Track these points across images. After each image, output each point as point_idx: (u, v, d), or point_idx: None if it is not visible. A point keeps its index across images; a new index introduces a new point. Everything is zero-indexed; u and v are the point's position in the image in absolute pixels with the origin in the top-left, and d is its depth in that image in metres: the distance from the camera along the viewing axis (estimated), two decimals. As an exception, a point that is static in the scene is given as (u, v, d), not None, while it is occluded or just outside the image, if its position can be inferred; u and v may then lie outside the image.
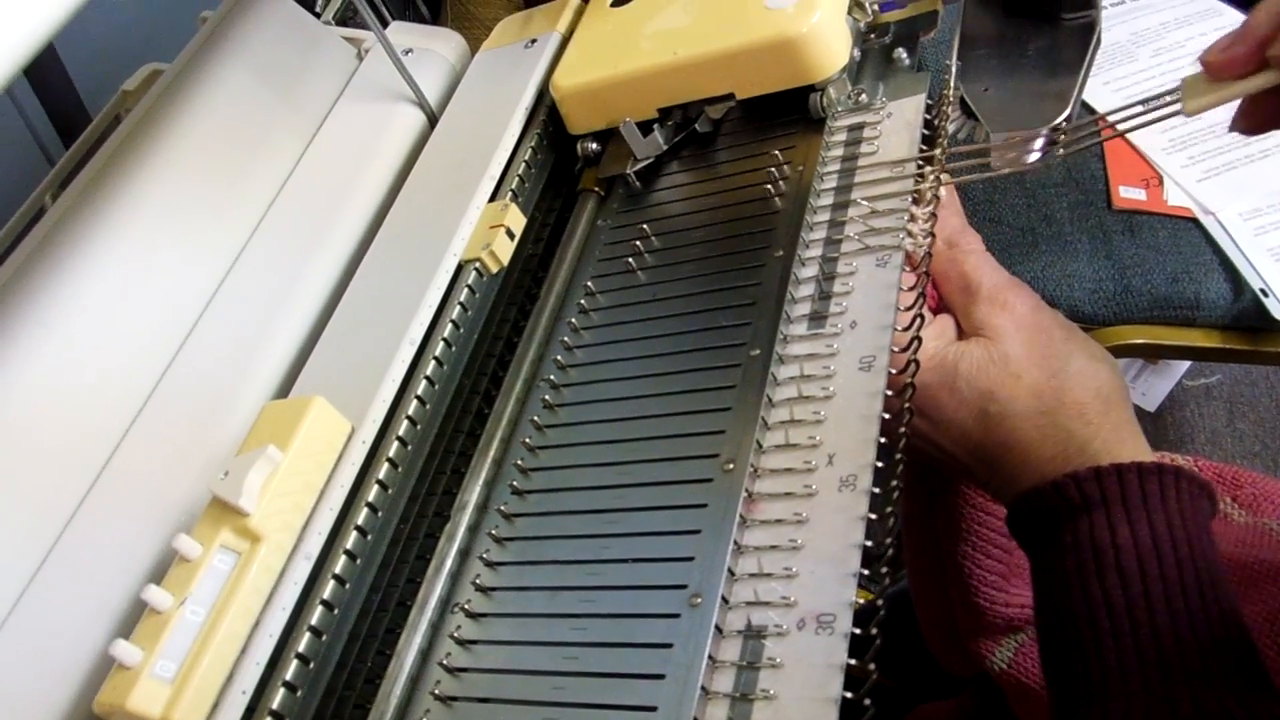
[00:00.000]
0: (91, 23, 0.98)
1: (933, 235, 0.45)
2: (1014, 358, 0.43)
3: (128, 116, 0.57)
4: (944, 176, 0.47)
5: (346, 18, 0.93)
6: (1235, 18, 0.93)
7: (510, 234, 0.54)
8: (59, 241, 0.51)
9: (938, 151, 0.47)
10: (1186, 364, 1.29)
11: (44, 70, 0.88)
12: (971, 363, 0.43)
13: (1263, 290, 0.77)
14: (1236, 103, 0.41)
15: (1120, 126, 0.44)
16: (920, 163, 0.47)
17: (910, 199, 0.47)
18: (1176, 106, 0.42)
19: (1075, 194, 0.84)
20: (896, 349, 0.42)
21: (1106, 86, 0.90)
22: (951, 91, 0.48)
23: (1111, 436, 0.41)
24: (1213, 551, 0.39)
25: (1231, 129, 0.42)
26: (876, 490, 0.38)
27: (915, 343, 0.41)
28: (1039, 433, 0.42)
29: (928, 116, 0.51)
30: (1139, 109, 0.44)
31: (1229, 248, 0.79)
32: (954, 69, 0.49)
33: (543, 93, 0.61)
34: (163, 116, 0.57)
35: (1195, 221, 0.81)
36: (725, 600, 0.38)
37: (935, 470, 0.52)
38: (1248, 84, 0.39)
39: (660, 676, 0.37)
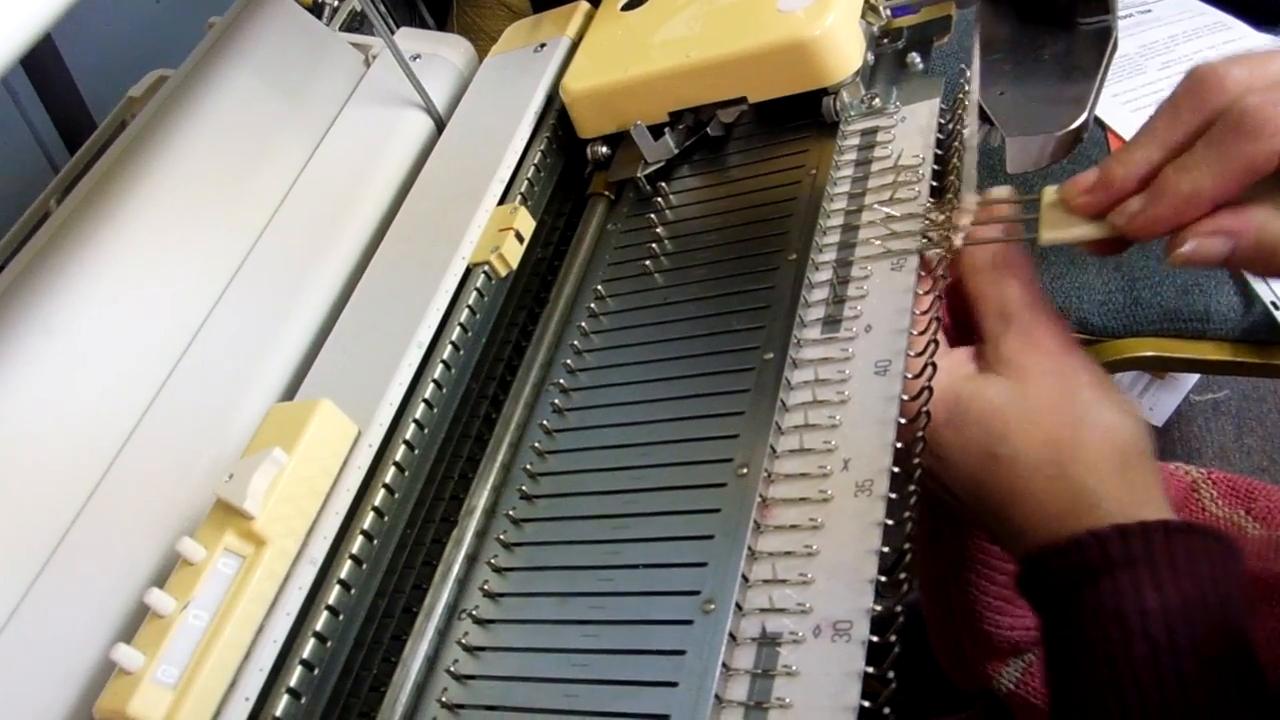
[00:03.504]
0: (97, 28, 0.98)
1: (949, 238, 0.44)
2: (1033, 401, 0.40)
3: (133, 121, 0.57)
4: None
5: (354, 26, 0.93)
6: (1243, 31, 0.92)
7: (519, 237, 0.53)
8: (63, 245, 0.50)
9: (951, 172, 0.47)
10: (1194, 379, 1.28)
11: (49, 76, 0.88)
12: (986, 403, 0.41)
13: (1273, 303, 0.76)
14: None
15: (980, 235, 0.44)
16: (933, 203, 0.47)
17: (927, 204, 0.46)
18: (1032, 235, 0.41)
19: (1084, 205, 0.84)
20: (910, 374, 0.41)
21: (1116, 99, 0.90)
22: (971, 96, 0.48)
23: (1126, 497, 0.38)
24: (1244, 616, 0.36)
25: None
26: (893, 495, 0.37)
27: (929, 369, 0.40)
28: (1048, 484, 0.39)
29: (941, 121, 0.51)
30: (998, 223, 0.44)
31: (1240, 260, 0.78)
32: (976, 73, 0.48)
33: (552, 96, 0.61)
34: (169, 122, 0.56)
35: (1206, 233, 0.80)
36: (739, 607, 0.37)
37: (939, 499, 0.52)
38: (1095, 229, 0.39)
39: (673, 684, 0.36)
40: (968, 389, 0.41)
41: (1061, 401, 0.40)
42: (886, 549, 0.36)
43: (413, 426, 0.47)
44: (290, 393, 0.51)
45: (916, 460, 0.38)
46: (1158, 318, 0.79)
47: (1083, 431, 0.39)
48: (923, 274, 0.45)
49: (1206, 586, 0.35)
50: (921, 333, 0.42)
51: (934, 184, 0.47)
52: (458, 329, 0.50)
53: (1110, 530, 0.36)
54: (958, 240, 0.44)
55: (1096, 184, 0.38)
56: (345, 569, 0.43)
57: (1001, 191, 0.45)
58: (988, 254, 0.44)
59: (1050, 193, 0.41)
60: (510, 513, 0.45)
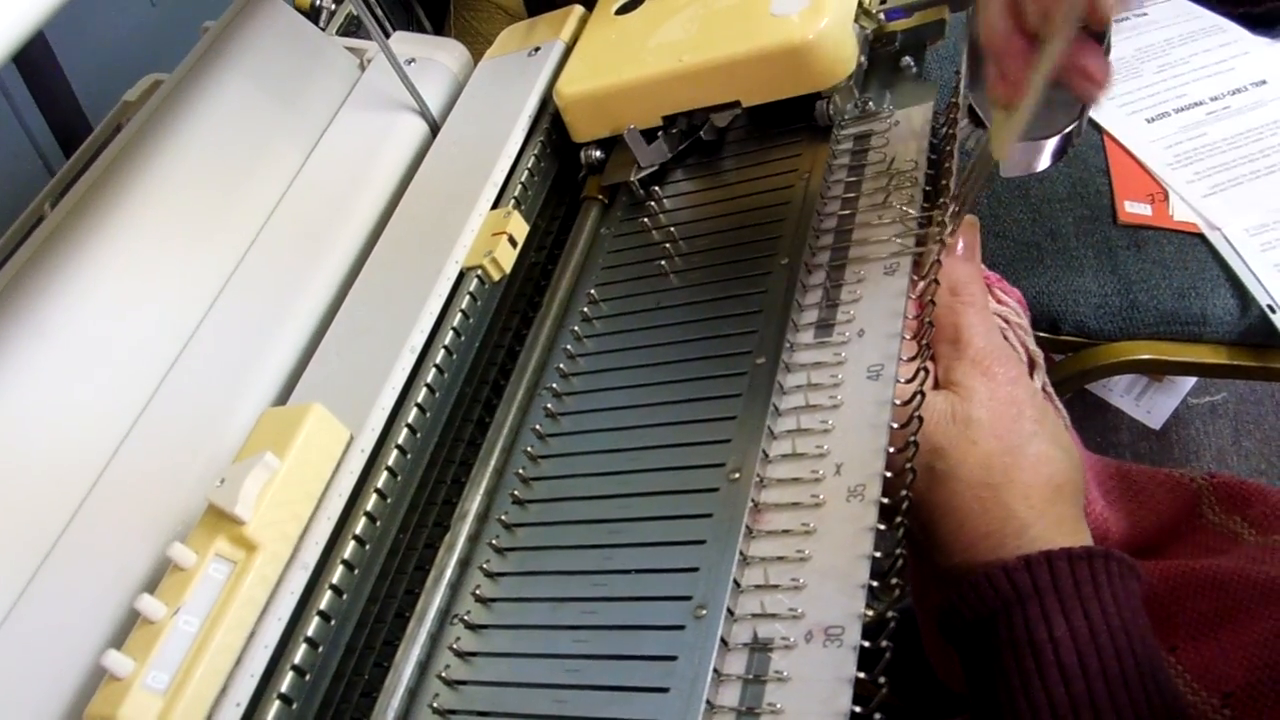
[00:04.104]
0: (93, 32, 0.98)
1: (942, 243, 0.44)
2: (975, 422, 0.41)
3: (128, 125, 0.57)
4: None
5: (351, 30, 0.93)
6: (1239, 34, 0.93)
7: (513, 241, 0.53)
8: (58, 249, 0.50)
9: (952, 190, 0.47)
10: (1191, 382, 1.29)
11: (46, 80, 0.88)
12: (931, 415, 0.41)
13: (1270, 306, 0.76)
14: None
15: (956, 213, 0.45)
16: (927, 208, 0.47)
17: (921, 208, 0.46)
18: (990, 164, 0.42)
19: (1081, 209, 0.84)
20: (903, 379, 0.41)
21: (1112, 102, 0.90)
22: (962, 98, 0.48)
23: (1053, 526, 0.40)
24: (1149, 634, 0.38)
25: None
26: (885, 500, 0.37)
27: (922, 374, 0.41)
28: (979, 504, 0.40)
29: (935, 125, 0.50)
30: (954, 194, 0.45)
31: (1235, 263, 0.78)
32: (963, 76, 0.48)
33: (546, 100, 0.61)
34: (164, 126, 0.56)
35: (1201, 237, 0.80)
36: (731, 612, 0.37)
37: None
38: (1037, 75, 0.39)
39: (664, 690, 0.36)
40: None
41: (1002, 427, 0.41)
42: (878, 553, 0.36)
43: (405, 431, 0.47)
44: (283, 397, 0.51)
45: (909, 465, 0.38)
46: (1154, 321, 0.79)
47: (1019, 458, 0.40)
48: (915, 278, 0.44)
49: (1109, 609, 0.37)
50: (914, 337, 0.42)
51: (927, 188, 0.47)
52: (451, 333, 0.50)
53: (1018, 561, 0.38)
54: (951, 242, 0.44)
55: (998, 56, 0.39)
56: (337, 574, 0.42)
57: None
58: (945, 281, 0.44)
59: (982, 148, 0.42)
60: (503, 517, 0.45)
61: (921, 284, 0.45)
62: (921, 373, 0.41)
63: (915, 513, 0.42)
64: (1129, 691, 0.36)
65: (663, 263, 0.52)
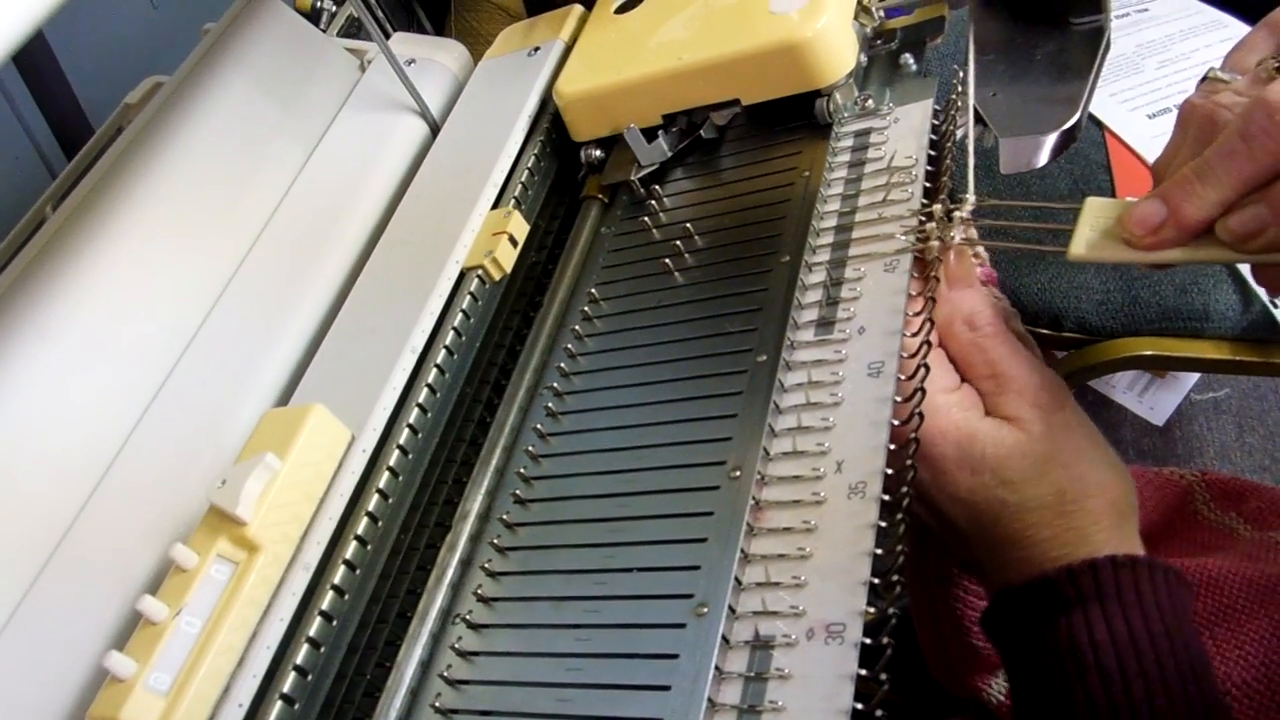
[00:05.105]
0: (94, 35, 0.98)
1: (943, 240, 0.44)
2: (1042, 455, 0.41)
3: (129, 127, 0.57)
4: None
5: (351, 31, 0.93)
6: (1240, 29, 0.92)
7: (513, 241, 0.53)
8: (59, 251, 0.51)
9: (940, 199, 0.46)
10: (1195, 378, 1.28)
11: (47, 82, 0.88)
12: (1000, 449, 0.41)
13: (1272, 301, 0.76)
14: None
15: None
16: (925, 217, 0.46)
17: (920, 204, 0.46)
18: (1060, 248, 0.41)
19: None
20: (901, 398, 0.41)
21: (1113, 98, 0.90)
22: (970, 97, 0.48)
23: (1121, 545, 0.40)
24: (1195, 641, 0.38)
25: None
26: (887, 497, 0.37)
27: (919, 394, 0.40)
28: (1052, 531, 0.41)
29: (935, 122, 0.50)
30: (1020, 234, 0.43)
31: (1238, 258, 0.78)
32: (971, 74, 0.48)
33: (546, 100, 0.61)
34: (164, 128, 0.56)
35: (1203, 232, 0.80)
36: (732, 610, 0.37)
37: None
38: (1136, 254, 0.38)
39: (666, 688, 0.36)
40: (982, 431, 0.42)
41: (1067, 456, 0.41)
42: (879, 551, 0.36)
43: (406, 431, 0.47)
44: (284, 398, 0.51)
45: (910, 462, 0.38)
46: (1156, 317, 0.79)
47: (1088, 486, 0.41)
48: (916, 275, 0.44)
49: (1152, 615, 0.38)
50: (915, 334, 0.42)
51: (927, 185, 0.47)
52: (451, 333, 0.50)
53: (1061, 571, 0.39)
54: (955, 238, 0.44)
55: (1166, 223, 0.38)
56: (339, 574, 0.43)
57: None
58: (957, 315, 0.44)
59: (1096, 206, 0.40)
60: (504, 516, 0.45)
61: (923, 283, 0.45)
62: (922, 370, 0.41)
63: (983, 540, 0.43)
64: (1169, 696, 0.36)
65: (664, 261, 0.52)
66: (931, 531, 0.46)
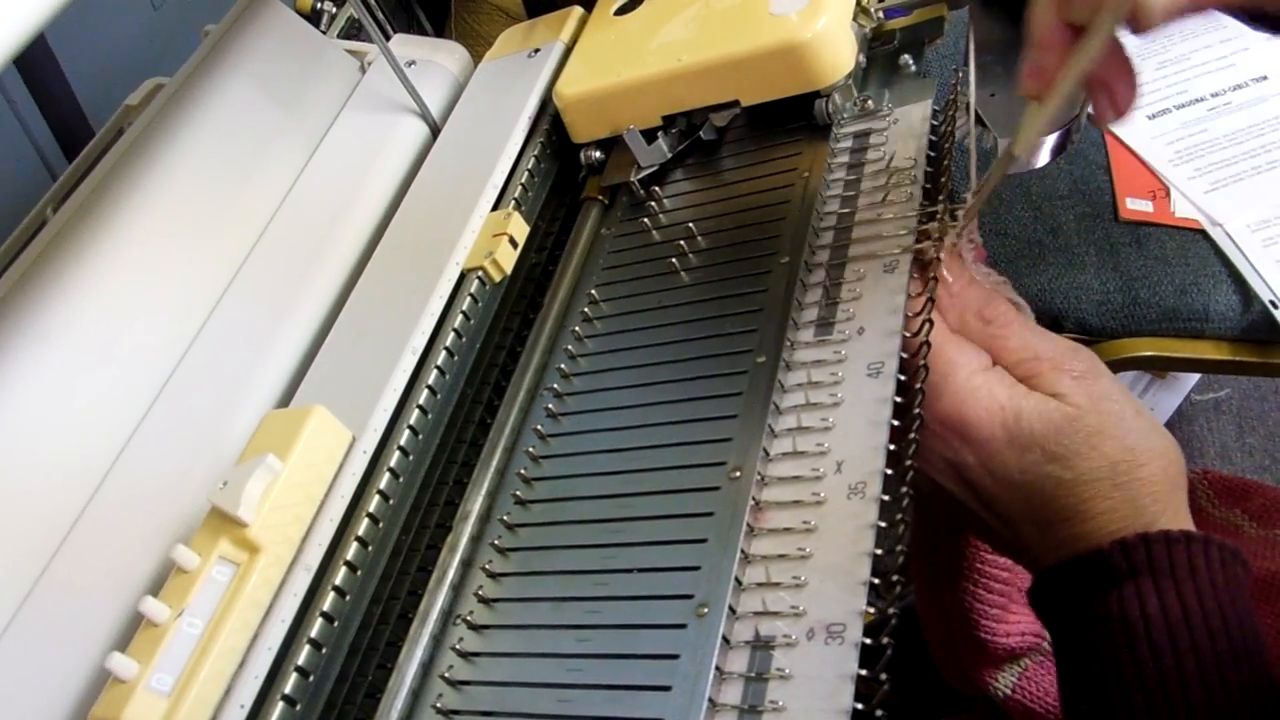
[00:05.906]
0: (95, 37, 0.98)
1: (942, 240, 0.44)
2: (1091, 427, 0.41)
3: (130, 129, 0.57)
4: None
5: (352, 33, 0.93)
6: (1237, 29, 0.92)
7: (513, 242, 0.53)
8: (60, 253, 0.51)
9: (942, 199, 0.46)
10: (1195, 378, 1.28)
11: (48, 84, 0.88)
12: (1048, 425, 0.41)
13: (1272, 302, 0.76)
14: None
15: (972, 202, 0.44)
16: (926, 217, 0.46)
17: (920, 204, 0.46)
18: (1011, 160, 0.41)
19: (1082, 206, 0.83)
20: (905, 354, 0.41)
21: (1112, 98, 0.90)
22: (970, 97, 0.48)
23: (1174, 516, 0.40)
24: (1250, 620, 0.38)
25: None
26: (886, 497, 0.37)
27: (925, 347, 0.41)
28: (1108, 504, 0.40)
29: (934, 123, 0.50)
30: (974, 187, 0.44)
31: (1237, 259, 0.78)
32: (971, 74, 0.48)
33: (546, 101, 0.61)
34: (165, 129, 0.56)
35: (1203, 233, 0.80)
36: (732, 610, 0.37)
37: (934, 508, 0.51)
38: (1069, 73, 0.38)
39: (666, 688, 0.36)
40: (1027, 408, 0.41)
41: (1112, 425, 0.41)
42: (879, 551, 0.36)
43: (407, 432, 0.47)
44: (285, 399, 0.51)
45: (909, 462, 0.38)
46: (1156, 317, 0.79)
47: (1139, 455, 0.41)
48: (916, 276, 0.45)
49: (1206, 591, 0.37)
50: (914, 335, 0.42)
51: (927, 186, 0.47)
52: (452, 334, 0.50)
53: (1114, 545, 0.38)
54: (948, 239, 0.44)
55: (1034, 45, 0.38)
56: (340, 575, 0.43)
57: None
58: (967, 313, 0.44)
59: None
60: (505, 517, 0.45)
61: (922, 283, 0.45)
62: (924, 346, 0.41)
63: (1034, 518, 0.42)
64: (1221, 670, 0.36)
65: (664, 262, 0.52)
66: (942, 522, 0.46)
